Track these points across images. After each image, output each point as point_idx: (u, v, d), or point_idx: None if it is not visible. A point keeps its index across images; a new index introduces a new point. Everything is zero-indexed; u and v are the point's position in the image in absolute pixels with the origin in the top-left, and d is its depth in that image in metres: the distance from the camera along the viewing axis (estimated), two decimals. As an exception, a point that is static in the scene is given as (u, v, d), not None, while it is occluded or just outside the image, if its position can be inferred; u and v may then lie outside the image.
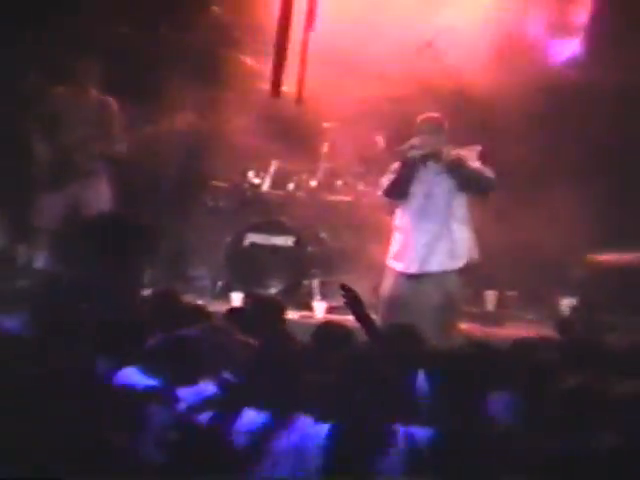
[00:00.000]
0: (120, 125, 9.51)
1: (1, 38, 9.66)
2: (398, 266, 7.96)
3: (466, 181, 7.81)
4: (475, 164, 8.05)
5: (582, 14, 10.18)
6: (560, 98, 9.85)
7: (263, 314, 6.44)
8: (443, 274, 7.98)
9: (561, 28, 10.25)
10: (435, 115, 7.99)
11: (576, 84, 9.98)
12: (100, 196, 9.47)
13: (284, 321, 6.52)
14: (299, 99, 7.75)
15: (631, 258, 9.52)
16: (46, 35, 9.59)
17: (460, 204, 8.02)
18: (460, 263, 8.04)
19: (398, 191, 8.04)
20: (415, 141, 7.81)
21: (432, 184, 7.94)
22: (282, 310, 6.64)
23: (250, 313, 6.65)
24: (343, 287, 6.28)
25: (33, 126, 9.46)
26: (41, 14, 9.55)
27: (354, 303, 5.95)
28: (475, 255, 8.21)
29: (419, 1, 9.42)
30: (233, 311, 6.82)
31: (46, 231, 9.56)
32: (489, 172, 7.98)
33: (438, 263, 7.93)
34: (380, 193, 8.56)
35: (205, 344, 5.82)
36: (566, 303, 9.51)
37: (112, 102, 9.40)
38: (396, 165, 8.06)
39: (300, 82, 7.57)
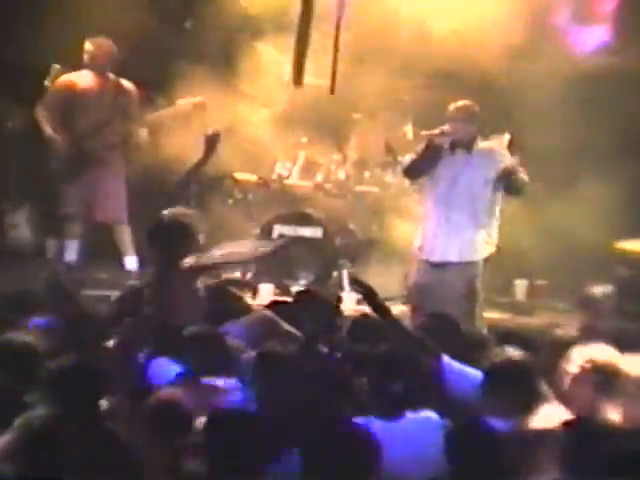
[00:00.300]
0: (140, 112, 9.37)
1: (19, 24, 9.54)
2: (423, 255, 7.95)
3: (511, 187, 7.82)
4: (520, 174, 7.92)
5: (608, 3, 10.18)
6: (589, 85, 9.73)
7: (311, 310, 6.38)
8: (466, 264, 7.96)
9: (589, 15, 10.23)
10: (468, 103, 7.91)
11: (605, 70, 9.81)
12: (119, 188, 9.36)
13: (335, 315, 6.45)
14: (332, 89, 7.83)
15: None
16: (66, 21, 9.42)
17: (485, 194, 7.95)
18: (484, 253, 7.99)
19: (417, 171, 8.03)
20: (447, 128, 7.73)
21: (459, 173, 7.87)
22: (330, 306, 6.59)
23: (298, 308, 6.59)
24: (356, 282, 6.45)
25: (49, 115, 9.36)
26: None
27: (369, 295, 5.99)
28: (493, 248, 8.17)
29: None
30: (276, 304, 6.84)
31: (68, 219, 9.45)
32: (525, 176, 7.94)
33: (461, 253, 7.91)
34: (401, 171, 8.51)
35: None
36: (597, 291, 8.96)
37: (132, 88, 9.32)
38: (421, 147, 8.07)
39: (333, 72, 7.68)
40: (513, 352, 5.84)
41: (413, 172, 8.09)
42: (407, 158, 8.20)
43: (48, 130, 9.26)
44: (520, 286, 9.86)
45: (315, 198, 9.73)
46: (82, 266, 9.44)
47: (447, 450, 4.47)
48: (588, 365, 5.60)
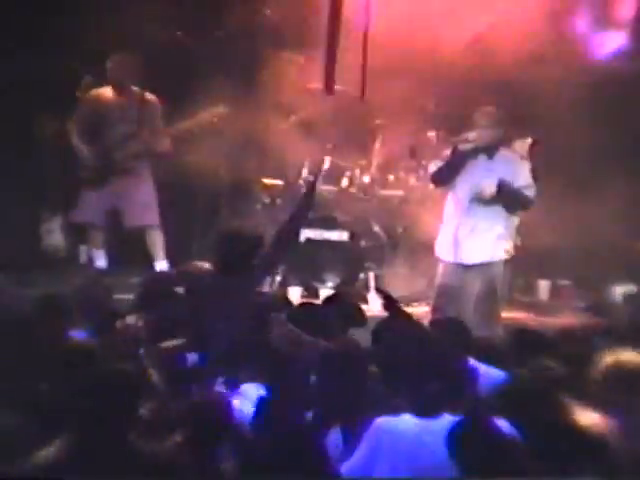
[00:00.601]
0: (161, 122, 9.58)
1: (42, 37, 9.73)
2: (446, 257, 8.14)
3: (509, 204, 7.96)
4: (520, 183, 8.06)
5: (627, 8, 10.27)
6: (610, 88, 9.84)
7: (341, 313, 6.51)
8: (488, 265, 8.12)
9: (609, 21, 10.35)
10: (492, 110, 8.10)
11: (624, 75, 9.92)
12: (148, 193, 9.52)
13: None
14: (362, 95, 7.96)
15: None
16: (91, 33, 9.60)
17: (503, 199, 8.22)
18: (504, 255, 8.16)
19: (444, 178, 8.19)
20: (471, 134, 7.87)
21: (481, 177, 8.03)
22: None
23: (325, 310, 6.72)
24: (378, 290, 7.02)
25: (77, 126, 9.58)
26: (86, 12, 9.61)
27: (389, 304, 6.29)
28: (511, 250, 8.31)
29: None
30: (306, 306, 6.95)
31: (93, 227, 9.63)
32: (531, 191, 8.09)
33: (483, 254, 8.07)
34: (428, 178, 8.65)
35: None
36: (620, 291, 9.57)
37: (155, 100, 9.51)
38: (447, 153, 8.13)
39: (363, 79, 7.81)
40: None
41: (440, 179, 8.28)
42: (433, 166, 8.48)
43: (75, 141, 9.48)
44: (543, 286, 10.03)
45: (341, 202, 9.79)
46: (113, 271, 9.46)
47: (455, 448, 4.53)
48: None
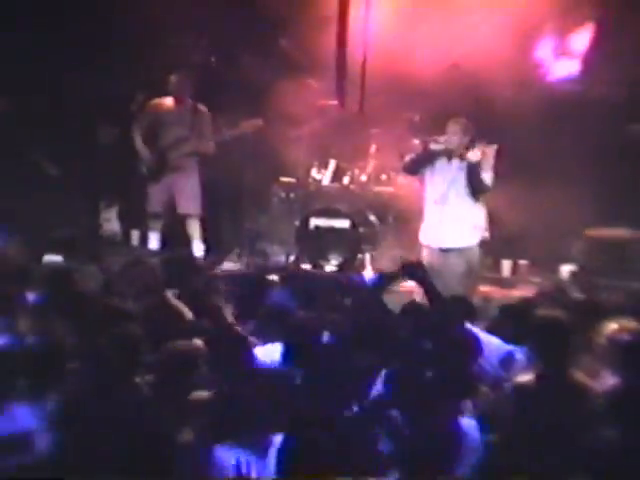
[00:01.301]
0: (210, 128, 10.32)
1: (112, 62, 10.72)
2: (430, 242, 8.91)
3: (472, 182, 8.75)
4: (486, 172, 8.79)
5: (580, 40, 11.15)
6: (564, 106, 10.87)
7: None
8: (465, 248, 8.92)
9: (565, 52, 11.22)
10: (461, 119, 8.85)
11: (574, 95, 11.04)
12: (194, 187, 10.34)
13: None
14: (360, 110, 8.93)
15: (622, 233, 10.63)
16: (147, 58, 10.75)
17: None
18: (477, 240, 8.97)
19: (413, 168, 8.99)
20: (442, 138, 8.73)
21: (455, 175, 8.83)
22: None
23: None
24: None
25: (140, 132, 10.37)
26: (151, 45, 10.65)
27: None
28: (487, 234, 9.01)
29: (447, 27, 10.47)
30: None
31: (152, 216, 10.47)
32: (489, 179, 8.81)
33: (460, 240, 8.90)
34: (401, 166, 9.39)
35: None
36: (566, 269, 10.50)
37: (205, 110, 10.27)
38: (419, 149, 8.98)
39: (362, 97, 8.78)
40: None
41: (410, 168, 9.03)
42: (407, 158, 9.22)
43: (139, 143, 10.29)
44: (506, 265, 10.91)
45: (343, 196, 10.58)
46: (161, 251, 10.23)
47: None
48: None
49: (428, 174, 8.91)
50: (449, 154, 8.75)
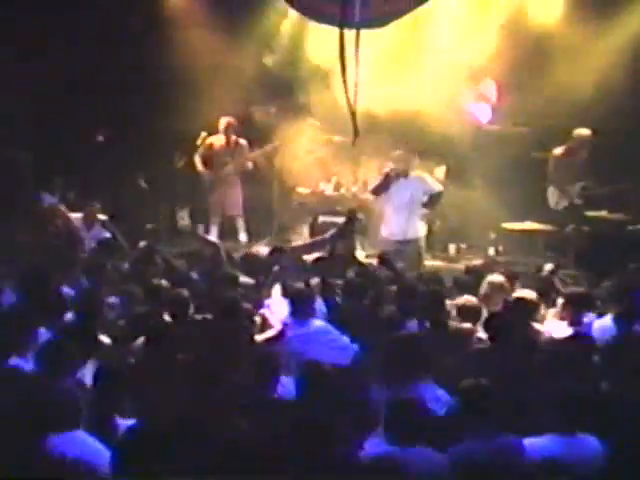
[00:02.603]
0: (246, 155, 12.12)
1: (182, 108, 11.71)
2: (389, 235, 10.42)
3: (434, 203, 10.57)
4: (435, 188, 10.31)
5: (495, 93, 12.86)
6: (486, 139, 12.60)
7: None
8: (415, 239, 10.53)
9: (483, 99, 12.89)
10: (403, 152, 10.54)
11: (493, 130, 12.79)
12: (238, 195, 12.28)
13: None
14: (354, 142, 9.57)
15: (527, 226, 12.16)
16: (210, 108, 12.01)
17: (421, 200, 10.65)
18: (421, 234, 10.66)
19: (378, 192, 10.47)
20: (392, 166, 10.45)
21: (406, 190, 10.46)
22: None
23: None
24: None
25: (200, 158, 12.17)
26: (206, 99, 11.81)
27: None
28: (426, 229, 10.65)
29: (408, 83, 11.60)
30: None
31: (212, 214, 12.27)
32: (439, 197, 10.34)
33: (410, 233, 10.48)
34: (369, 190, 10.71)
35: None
36: (491, 251, 12.62)
37: (244, 142, 12.15)
38: (381, 177, 10.44)
39: (355, 134, 9.39)
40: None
41: (375, 192, 10.59)
42: (370, 185, 10.86)
43: (200, 167, 12.21)
44: (451, 247, 12.71)
45: (340, 201, 12.17)
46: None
47: None
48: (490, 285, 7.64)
49: (388, 191, 10.50)
50: (398, 176, 10.37)
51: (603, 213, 11.92)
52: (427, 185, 10.48)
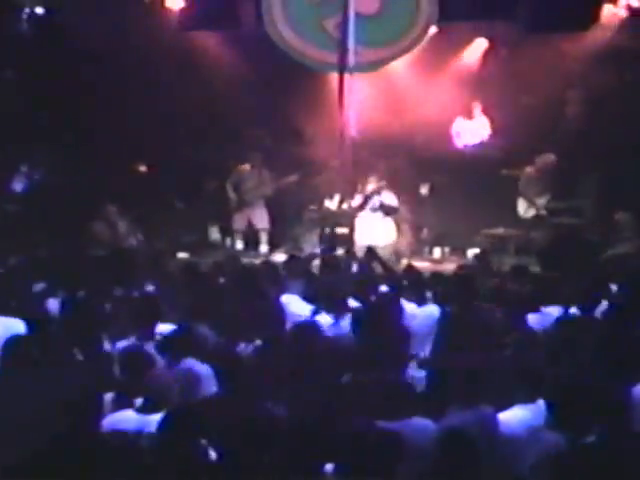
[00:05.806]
0: (269, 181, 13.63)
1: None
2: (361, 241, 11.98)
3: (391, 212, 12.32)
4: (393, 204, 12.01)
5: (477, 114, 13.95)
6: (467, 158, 13.85)
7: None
8: (385, 245, 12.09)
9: (467, 128, 14.09)
10: (379, 181, 12.42)
11: (473, 152, 14.07)
12: (263, 215, 13.83)
13: None
14: (351, 166, 11.21)
15: (500, 232, 13.49)
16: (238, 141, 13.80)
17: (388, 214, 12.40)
18: (392, 240, 12.49)
19: (359, 209, 12.51)
20: (371, 189, 12.48)
21: (376, 207, 12.50)
22: None
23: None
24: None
25: (230, 185, 13.66)
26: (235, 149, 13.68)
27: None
28: (394, 238, 12.35)
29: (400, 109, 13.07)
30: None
31: (238, 231, 13.89)
32: (396, 207, 12.00)
33: (382, 240, 12.31)
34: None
35: None
36: (471, 253, 13.30)
37: (266, 172, 13.65)
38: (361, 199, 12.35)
39: (353, 160, 10.97)
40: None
41: (359, 211, 12.40)
42: (353, 202, 12.41)
43: (230, 192, 13.73)
44: (436, 250, 13.90)
45: (343, 216, 13.06)
46: (244, 251, 13.64)
47: None
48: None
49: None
50: (373, 195, 12.48)
51: (563, 220, 13.05)
52: (393, 201, 12.45)
